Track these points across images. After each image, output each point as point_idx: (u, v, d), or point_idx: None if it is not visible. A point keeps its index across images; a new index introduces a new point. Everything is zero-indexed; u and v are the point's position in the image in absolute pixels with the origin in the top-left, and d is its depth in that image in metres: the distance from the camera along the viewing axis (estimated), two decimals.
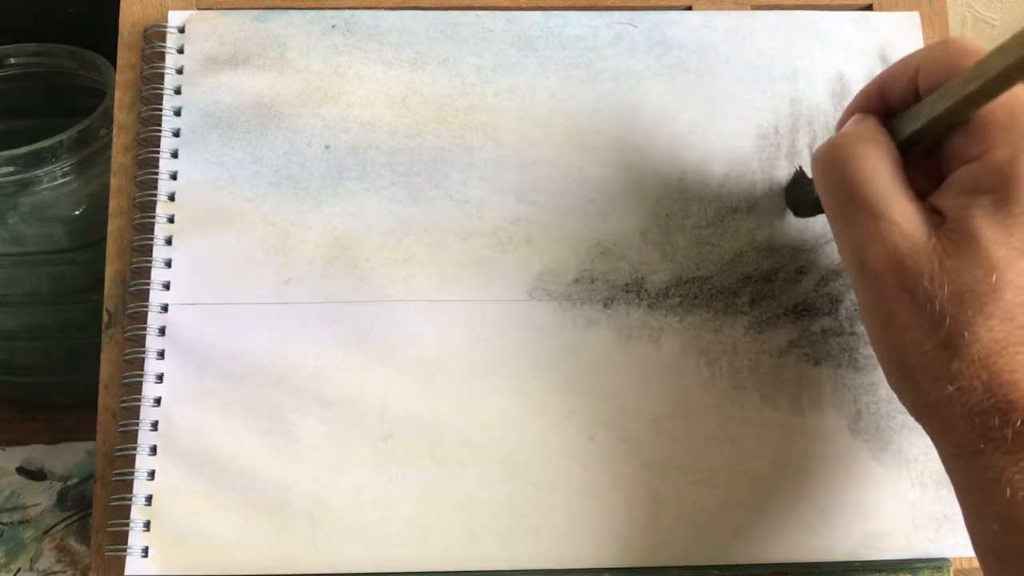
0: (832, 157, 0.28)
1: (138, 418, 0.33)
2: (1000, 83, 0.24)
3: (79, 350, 0.45)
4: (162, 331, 0.33)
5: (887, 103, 0.28)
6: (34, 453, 0.46)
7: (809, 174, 0.33)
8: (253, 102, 0.35)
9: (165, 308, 0.34)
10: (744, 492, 0.33)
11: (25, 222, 0.40)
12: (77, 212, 0.40)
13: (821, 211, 0.33)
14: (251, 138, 0.35)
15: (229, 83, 0.36)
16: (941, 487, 0.33)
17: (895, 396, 0.34)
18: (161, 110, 0.35)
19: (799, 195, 0.34)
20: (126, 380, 0.33)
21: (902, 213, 0.26)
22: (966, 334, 0.24)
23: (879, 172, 0.26)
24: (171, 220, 0.34)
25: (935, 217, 0.26)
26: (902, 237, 0.25)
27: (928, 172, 0.27)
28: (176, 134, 0.35)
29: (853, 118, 0.29)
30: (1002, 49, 0.23)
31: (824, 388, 0.33)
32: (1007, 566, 0.23)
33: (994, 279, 0.24)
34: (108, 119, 0.39)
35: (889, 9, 0.37)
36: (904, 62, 0.28)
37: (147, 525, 0.32)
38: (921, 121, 0.26)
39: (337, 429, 0.33)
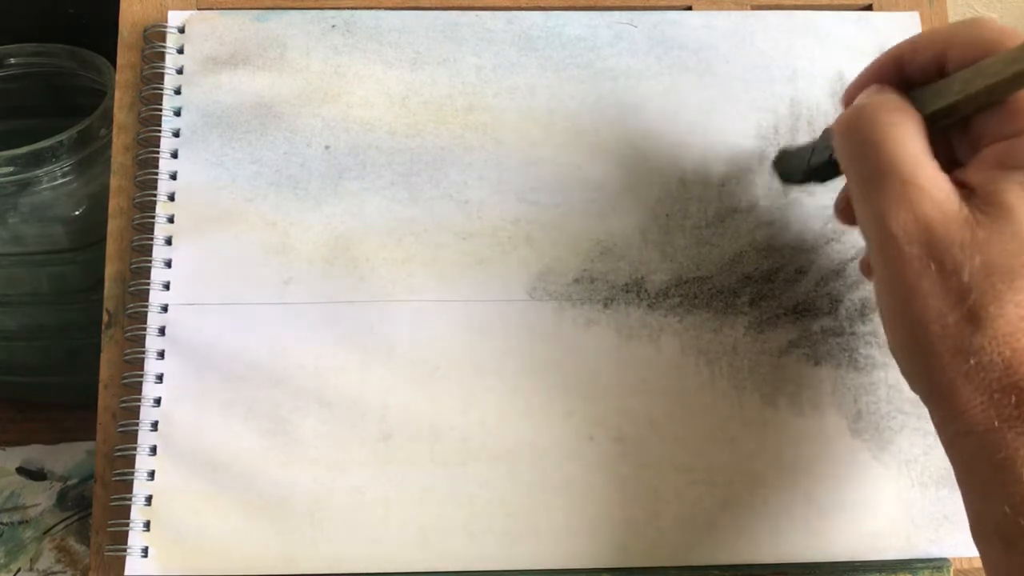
0: (859, 123, 0.27)
1: (138, 418, 0.33)
2: None
3: (79, 350, 0.45)
4: (162, 331, 0.33)
5: (905, 76, 0.28)
6: (34, 453, 0.46)
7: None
8: (253, 102, 0.35)
9: (165, 308, 0.34)
10: (744, 492, 0.33)
11: (25, 222, 0.40)
12: (77, 212, 0.40)
13: (810, 180, 0.33)
14: (251, 138, 0.35)
15: (229, 83, 0.36)
16: (941, 487, 0.33)
17: (895, 396, 0.34)
18: (161, 110, 0.35)
19: (790, 161, 0.34)
20: (126, 380, 0.33)
21: (932, 181, 0.25)
22: (992, 308, 0.23)
23: (909, 139, 0.26)
24: (171, 220, 0.34)
25: (962, 190, 0.25)
26: (932, 204, 0.24)
27: (941, 153, 0.27)
28: (176, 134, 0.35)
29: (871, 88, 0.28)
30: None
31: (824, 388, 0.33)
32: (1015, 548, 0.23)
33: None
34: (108, 119, 0.39)
35: (889, 9, 0.37)
36: (929, 36, 0.27)
37: (147, 525, 0.32)
38: (953, 98, 0.26)
39: (337, 429, 0.33)
